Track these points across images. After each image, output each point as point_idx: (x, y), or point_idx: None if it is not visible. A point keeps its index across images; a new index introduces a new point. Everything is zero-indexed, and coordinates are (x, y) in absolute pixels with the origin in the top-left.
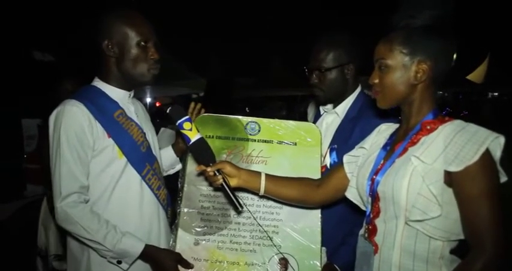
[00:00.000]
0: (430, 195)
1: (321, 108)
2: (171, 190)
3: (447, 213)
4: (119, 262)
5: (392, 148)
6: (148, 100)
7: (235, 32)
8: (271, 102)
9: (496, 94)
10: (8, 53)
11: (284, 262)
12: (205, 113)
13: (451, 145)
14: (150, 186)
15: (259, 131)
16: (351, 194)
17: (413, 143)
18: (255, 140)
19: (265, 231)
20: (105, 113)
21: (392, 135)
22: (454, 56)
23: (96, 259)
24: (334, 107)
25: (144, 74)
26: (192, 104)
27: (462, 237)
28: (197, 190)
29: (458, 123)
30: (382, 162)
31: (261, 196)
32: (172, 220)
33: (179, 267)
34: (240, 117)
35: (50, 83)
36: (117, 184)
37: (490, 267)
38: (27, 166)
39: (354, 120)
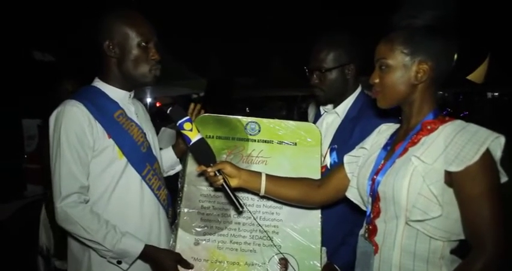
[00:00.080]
0: (430, 195)
1: (321, 108)
2: (171, 191)
3: (448, 213)
4: (119, 262)
5: (392, 149)
6: (148, 100)
7: (235, 32)
8: (271, 102)
9: (497, 94)
10: (8, 53)
11: (284, 262)
12: (205, 113)
13: (452, 145)
14: (150, 186)
15: (259, 131)
16: (352, 194)
17: (414, 143)
18: (255, 140)
19: (265, 231)
20: (106, 113)
21: (392, 135)
22: (455, 56)
23: (97, 260)
24: (335, 107)
25: (145, 75)
26: (192, 105)
27: (463, 237)
28: (197, 190)
29: (458, 123)
30: (382, 162)
31: (261, 197)
32: (173, 220)
33: (179, 267)
34: (240, 117)
35: (50, 83)
36: (118, 185)
37: (491, 267)
38: (27, 166)
39: (354, 120)
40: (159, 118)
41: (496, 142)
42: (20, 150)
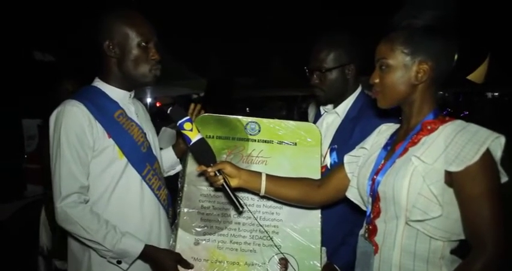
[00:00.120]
0: (430, 195)
1: (322, 108)
2: (171, 191)
3: (448, 213)
4: (119, 262)
5: (392, 149)
6: (148, 100)
7: (235, 32)
8: (271, 102)
9: (497, 94)
10: (8, 53)
11: (284, 262)
12: (205, 113)
13: (452, 145)
14: (150, 186)
15: (259, 131)
16: (352, 194)
17: (414, 143)
18: (255, 140)
19: (266, 231)
20: (106, 113)
21: (392, 135)
22: (455, 56)
23: (97, 259)
24: (335, 107)
25: (145, 75)
26: (192, 105)
27: (463, 237)
28: (197, 190)
29: (459, 123)
30: (382, 162)
31: (261, 197)
32: (173, 220)
33: (179, 267)
34: (240, 117)
35: (50, 83)
36: (118, 185)
37: (491, 267)
38: (27, 166)
39: (355, 120)
40: (160, 118)
41: (496, 143)
42: (20, 150)
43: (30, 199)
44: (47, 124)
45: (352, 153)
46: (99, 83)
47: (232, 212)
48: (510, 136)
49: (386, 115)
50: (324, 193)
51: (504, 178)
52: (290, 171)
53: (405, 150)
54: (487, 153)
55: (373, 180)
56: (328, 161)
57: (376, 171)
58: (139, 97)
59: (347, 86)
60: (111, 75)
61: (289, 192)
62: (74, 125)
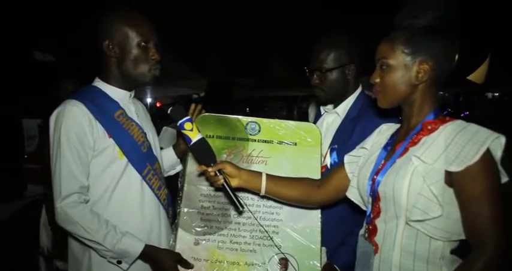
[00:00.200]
0: (430, 195)
1: (322, 108)
2: (171, 190)
3: (448, 213)
4: (119, 262)
5: (393, 149)
6: (149, 100)
7: (235, 32)
8: (271, 102)
9: (497, 94)
10: (8, 53)
11: (284, 262)
12: (205, 113)
13: (452, 145)
14: (150, 186)
15: (259, 131)
16: (352, 194)
17: (414, 143)
18: (255, 140)
19: (266, 231)
20: (106, 113)
21: (393, 135)
22: (456, 56)
23: (97, 259)
24: (335, 107)
25: (144, 74)
26: (193, 105)
27: (463, 237)
28: (197, 190)
29: (459, 123)
30: (383, 162)
31: (261, 197)
32: (173, 220)
33: (179, 267)
34: (240, 117)
35: (50, 83)
36: (118, 185)
37: (491, 267)
38: (27, 166)
39: (355, 120)
40: (160, 118)
41: (496, 143)
42: (21, 150)
43: (30, 199)
44: (47, 124)
45: (353, 153)
46: (99, 83)
47: (232, 212)
48: (510, 136)
49: (387, 115)
50: (324, 193)
51: (504, 178)
52: (290, 171)
53: (405, 150)
54: (487, 153)
55: (373, 180)
56: (328, 161)
57: (377, 171)
58: (139, 97)
59: (347, 86)
60: (111, 75)
61: (289, 192)
62: (74, 124)
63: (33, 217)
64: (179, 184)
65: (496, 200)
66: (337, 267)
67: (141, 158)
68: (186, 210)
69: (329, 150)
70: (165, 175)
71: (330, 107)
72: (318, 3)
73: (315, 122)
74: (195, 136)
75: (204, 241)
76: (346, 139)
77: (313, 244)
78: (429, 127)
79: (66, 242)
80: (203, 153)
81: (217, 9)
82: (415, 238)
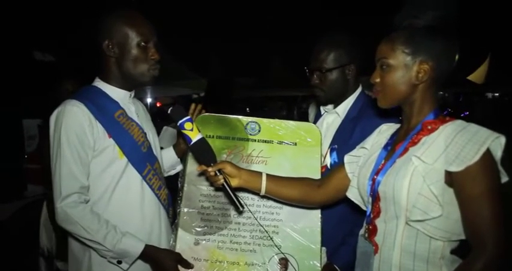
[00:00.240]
0: (430, 195)
1: (322, 108)
2: (171, 190)
3: (448, 213)
4: (119, 262)
5: (393, 149)
6: (149, 100)
7: (235, 32)
8: (271, 102)
9: (497, 94)
10: (9, 53)
11: (284, 262)
12: (205, 113)
13: (452, 145)
14: (150, 186)
15: (259, 131)
16: (352, 194)
17: (414, 143)
18: (255, 140)
19: (266, 231)
20: (106, 113)
21: (393, 135)
22: (456, 57)
23: (97, 259)
24: (335, 107)
25: (144, 74)
26: (193, 105)
27: (463, 237)
28: (197, 190)
29: (459, 123)
30: (383, 162)
31: (261, 197)
32: (174, 220)
33: (179, 267)
34: (240, 117)
35: (50, 83)
36: (118, 185)
37: (491, 267)
38: (27, 166)
39: (355, 120)
40: (160, 118)
41: (496, 142)
42: (21, 150)
43: (30, 199)
44: (47, 124)
45: (353, 153)
46: (99, 83)
47: (232, 212)
48: (510, 136)
49: (387, 115)
50: (324, 193)
51: (504, 178)
52: (290, 171)
53: (405, 150)
54: (487, 153)
55: (373, 180)
56: (328, 161)
57: (377, 171)
58: (139, 97)
59: (347, 86)
60: (111, 75)
61: (289, 192)
62: (74, 124)
63: (33, 217)
64: (179, 184)
65: (496, 200)
66: (337, 267)
67: (141, 158)
68: (186, 210)
69: (329, 150)
70: (165, 175)
71: (330, 107)
72: (318, 3)
73: (315, 122)
74: (195, 136)
75: (204, 241)
76: (346, 139)
77: (313, 244)
78: (429, 127)
79: (66, 242)
80: (203, 153)
81: (217, 9)
82: (415, 238)
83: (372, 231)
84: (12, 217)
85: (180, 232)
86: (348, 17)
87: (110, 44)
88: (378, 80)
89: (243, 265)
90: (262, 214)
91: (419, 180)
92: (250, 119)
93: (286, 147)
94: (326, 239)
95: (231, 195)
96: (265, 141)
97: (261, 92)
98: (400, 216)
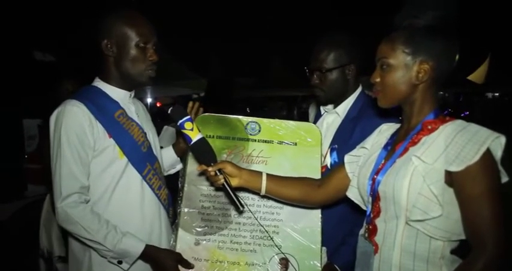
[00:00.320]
0: (430, 195)
1: (322, 108)
2: (171, 190)
3: (448, 213)
4: (120, 262)
5: (393, 148)
6: (149, 100)
7: (235, 32)
8: (271, 102)
9: (497, 94)
10: (9, 53)
11: (284, 262)
12: (204, 112)
13: (452, 145)
14: (151, 186)
15: (259, 131)
16: (352, 194)
17: (414, 143)
18: (255, 140)
19: (266, 231)
20: (106, 113)
21: (393, 135)
22: (457, 56)
23: (98, 259)
24: (335, 107)
25: (141, 75)
26: (190, 103)
27: (463, 237)
28: (197, 190)
29: (459, 123)
30: (383, 162)
31: (262, 197)
32: (174, 220)
33: (180, 267)
34: (240, 117)
35: (50, 83)
36: (118, 185)
37: (491, 267)
38: (28, 166)
39: (355, 120)
40: (160, 118)
41: (496, 142)
42: (21, 150)
43: (30, 199)
44: (47, 124)
45: (353, 152)
46: (99, 83)
47: (233, 212)
48: (510, 136)
49: (387, 115)
50: (324, 193)
51: (504, 178)
52: (290, 171)
53: (405, 150)
54: (488, 153)
55: (373, 179)
56: (328, 161)
57: (377, 171)
58: (139, 97)
59: (347, 86)
60: (110, 75)
61: (289, 192)
62: (74, 124)
63: (33, 217)
64: (179, 184)
65: (496, 200)
66: (337, 267)
67: (141, 158)
68: (186, 210)
69: (329, 150)
70: (165, 174)
71: (330, 107)
72: (318, 3)
73: (315, 122)
74: (195, 136)
75: (204, 241)
76: (346, 139)
77: (313, 244)
78: (429, 127)
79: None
80: (203, 152)
81: (217, 9)
82: (415, 238)
83: (372, 230)
84: (12, 217)
85: (181, 232)
86: (348, 17)
87: (109, 43)
88: (378, 79)
89: (243, 265)
90: (262, 214)
91: (419, 180)
92: (250, 118)
93: (286, 147)
94: (326, 239)
95: (231, 195)
96: (266, 141)
97: (261, 92)
98: (400, 215)
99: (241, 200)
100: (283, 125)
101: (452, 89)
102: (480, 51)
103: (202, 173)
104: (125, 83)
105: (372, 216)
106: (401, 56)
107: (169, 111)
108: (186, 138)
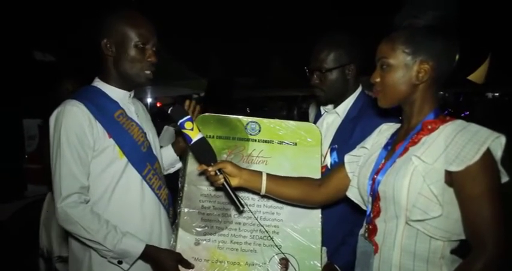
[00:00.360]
0: (430, 194)
1: (322, 108)
2: (171, 190)
3: (448, 213)
4: (120, 262)
5: (393, 148)
6: (149, 100)
7: (235, 32)
8: (271, 102)
9: (497, 94)
10: (9, 53)
11: (285, 262)
12: (204, 112)
13: (452, 145)
14: (151, 186)
15: (259, 131)
16: (352, 194)
17: (414, 143)
18: (255, 140)
19: (266, 231)
20: (106, 113)
21: (393, 135)
22: (457, 56)
23: (98, 260)
24: (335, 107)
25: (139, 75)
26: (187, 102)
27: (463, 237)
28: (197, 190)
29: (459, 122)
30: (383, 161)
31: (262, 196)
32: (174, 220)
33: (180, 267)
34: (240, 117)
35: (50, 83)
36: (118, 185)
37: (491, 267)
38: (28, 166)
39: (355, 120)
40: (160, 118)
41: (496, 142)
42: (21, 150)
43: (30, 199)
44: (47, 124)
45: (353, 152)
46: (99, 83)
47: (233, 212)
48: (510, 136)
49: (387, 115)
50: (324, 193)
51: (504, 178)
52: (290, 171)
53: (405, 150)
54: (488, 153)
55: (373, 179)
56: (328, 161)
57: (377, 171)
58: (139, 97)
59: (347, 86)
60: (110, 75)
61: (290, 192)
62: (74, 125)
63: (33, 217)
64: (179, 184)
65: (496, 200)
66: (337, 267)
67: (141, 158)
68: (186, 210)
69: (329, 150)
70: (165, 173)
71: (330, 107)
72: (318, 3)
73: (315, 122)
74: (195, 136)
75: (204, 242)
76: (346, 139)
77: (313, 244)
78: (429, 127)
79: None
80: (203, 152)
81: (217, 9)
82: (415, 238)
83: (372, 230)
84: (12, 217)
85: (181, 232)
86: (348, 17)
87: (109, 42)
88: (378, 79)
89: (243, 265)
90: (262, 214)
91: (419, 180)
92: (250, 118)
93: (286, 147)
94: (326, 239)
95: (232, 195)
96: (266, 141)
97: (261, 92)
98: (400, 215)
99: (241, 200)
100: (283, 125)
101: (452, 89)
102: (480, 51)
103: (202, 173)
104: (124, 83)
105: (371, 216)
106: (401, 56)
107: (169, 111)
108: (186, 138)
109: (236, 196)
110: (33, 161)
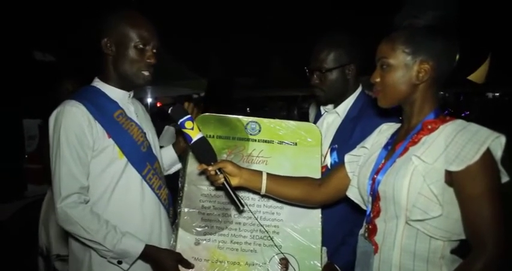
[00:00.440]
0: (430, 194)
1: (322, 108)
2: (171, 190)
3: (448, 212)
4: (119, 262)
5: (393, 148)
6: (149, 100)
7: (236, 32)
8: (271, 102)
9: (497, 94)
10: (9, 53)
11: (285, 262)
12: (204, 112)
13: (452, 144)
14: (151, 186)
15: (259, 130)
16: (352, 193)
17: (414, 143)
18: (255, 140)
19: (266, 231)
20: (105, 113)
21: (393, 135)
22: (457, 56)
23: (97, 260)
24: (335, 106)
25: (138, 76)
26: (186, 103)
27: (463, 237)
28: (198, 190)
29: (459, 122)
30: (383, 161)
31: (262, 196)
32: (174, 220)
33: (180, 267)
34: (240, 117)
35: (50, 83)
36: (118, 185)
37: (491, 267)
38: (28, 166)
39: (355, 120)
40: (160, 118)
41: (496, 142)
42: (21, 150)
43: (30, 199)
44: (47, 124)
45: (353, 152)
46: (98, 83)
47: (233, 212)
48: (510, 136)
49: (387, 114)
50: (324, 193)
51: (504, 178)
52: (290, 171)
53: (405, 150)
54: (488, 153)
55: (373, 179)
56: (328, 161)
57: (377, 171)
58: (139, 97)
59: (347, 86)
60: (109, 75)
61: (290, 191)
62: (73, 125)
63: (33, 217)
64: (179, 184)
65: (496, 200)
66: (337, 267)
67: (141, 158)
68: (186, 210)
69: (329, 150)
70: (165, 173)
71: (330, 106)
72: (318, 3)
73: (315, 122)
74: (195, 135)
75: (204, 241)
76: (346, 139)
77: (313, 244)
78: (429, 126)
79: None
80: (204, 152)
81: (217, 9)
82: (415, 238)
83: (372, 230)
84: (12, 217)
85: (181, 232)
86: (348, 17)
87: (109, 42)
88: (378, 79)
89: (243, 265)
90: (262, 214)
91: (419, 180)
92: (250, 118)
93: (286, 147)
94: (326, 239)
95: (232, 195)
96: (266, 141)
97: (261, 92)
98: (400, 215)
99: (241, 200)
100: (283, 124)
101: (452, 89)
102: (480, 51)
103: (202, 173)
104: (123, 83)
105: (371, 215)
106: (401, 56)
107: (169, 111)
108: (187, 138)
109: (236, 196)
110: (33, 161)
